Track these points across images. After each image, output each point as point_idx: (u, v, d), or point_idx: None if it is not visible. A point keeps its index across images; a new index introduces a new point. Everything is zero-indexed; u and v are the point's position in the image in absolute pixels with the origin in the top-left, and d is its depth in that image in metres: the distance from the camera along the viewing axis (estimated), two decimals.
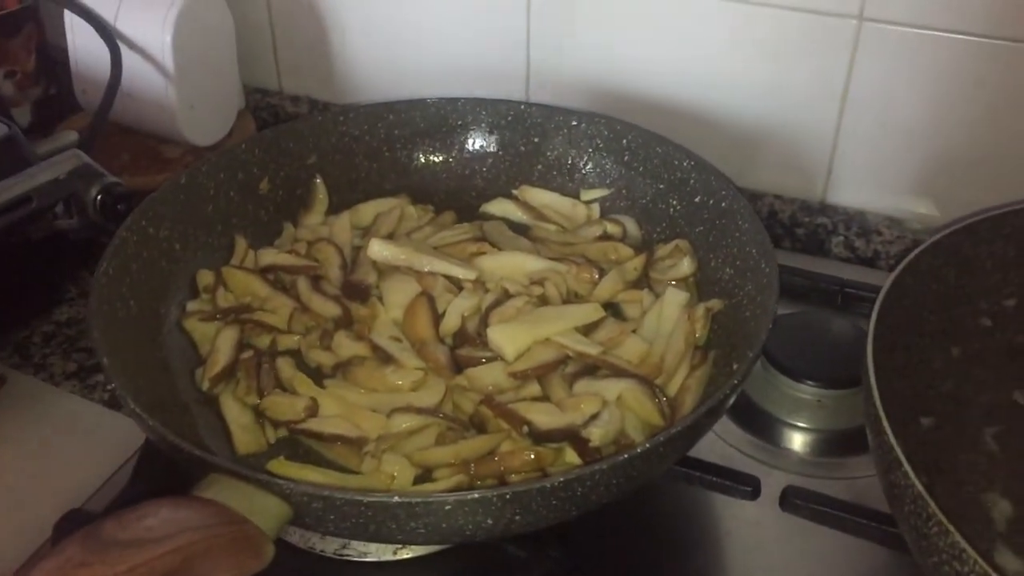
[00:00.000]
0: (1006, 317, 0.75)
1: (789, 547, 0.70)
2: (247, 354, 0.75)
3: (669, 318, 0.76)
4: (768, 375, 0.82)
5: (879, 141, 0.93)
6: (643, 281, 0.82)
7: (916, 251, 0.70)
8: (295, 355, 0.76)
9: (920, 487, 0.54)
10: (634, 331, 0.77)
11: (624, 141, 0.89)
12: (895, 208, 0.96)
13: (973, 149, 0.90)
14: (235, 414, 0.71)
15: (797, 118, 0.95)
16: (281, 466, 0.67)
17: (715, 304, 0.77)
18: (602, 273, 0.82)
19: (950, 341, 0.73)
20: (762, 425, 0.80)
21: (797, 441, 0.79)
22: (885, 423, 0.57)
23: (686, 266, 0.81)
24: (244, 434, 0.70)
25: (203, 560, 0.50)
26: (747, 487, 0.70)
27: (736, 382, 0.63)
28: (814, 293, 0.89)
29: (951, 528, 0.51)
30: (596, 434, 0.66)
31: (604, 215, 0.90)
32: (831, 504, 0.69)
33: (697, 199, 0.84)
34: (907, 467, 0.55)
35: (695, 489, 0.72)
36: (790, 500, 0.69)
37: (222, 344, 0.75)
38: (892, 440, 0.57)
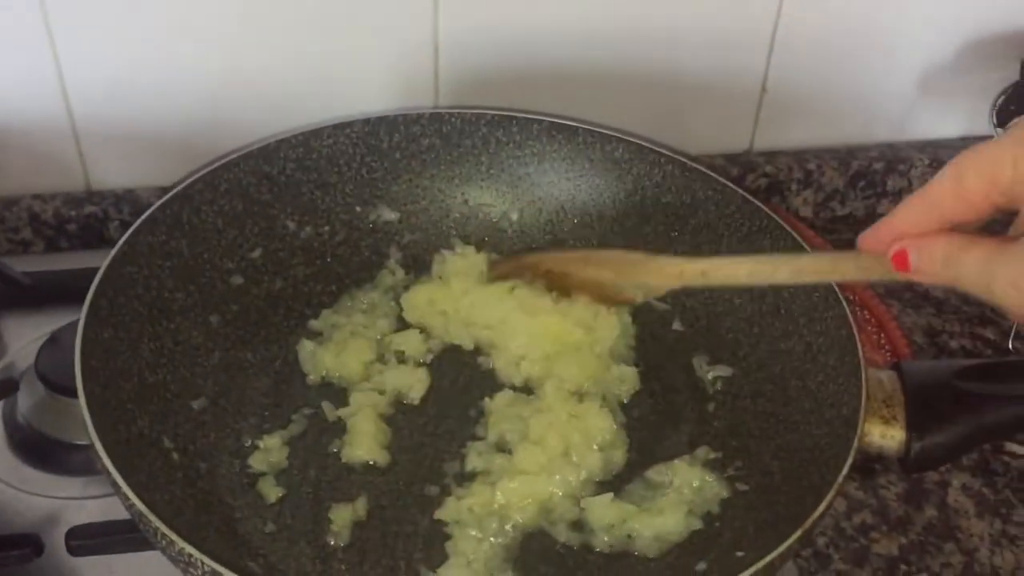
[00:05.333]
0: (255, 269, 0.73)
1: None
2: None
3: None
4: (52, 400, 0.72)
5: None
6: None
7: (124, 238, 0.64)
8: None
9: (140, 503, 0.50)
10: None
11: None
12: None
13: None
14: None
15: None
16: None
17: None
18: None
19: (205, 312, 0.70)
20: (56, 455, 0.71)
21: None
22: (94, 433, 0.52)
23: None
24: None
25: None
26: (25, 548, 0.61)
27: None
28: None
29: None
30: None
31: None
32: (117, 530, 0.62)
33: None
34: (122, 484, 0.50)
35: None
36: (75, 545, 0.62)
37: None
38: (103, 453, 0.52)
